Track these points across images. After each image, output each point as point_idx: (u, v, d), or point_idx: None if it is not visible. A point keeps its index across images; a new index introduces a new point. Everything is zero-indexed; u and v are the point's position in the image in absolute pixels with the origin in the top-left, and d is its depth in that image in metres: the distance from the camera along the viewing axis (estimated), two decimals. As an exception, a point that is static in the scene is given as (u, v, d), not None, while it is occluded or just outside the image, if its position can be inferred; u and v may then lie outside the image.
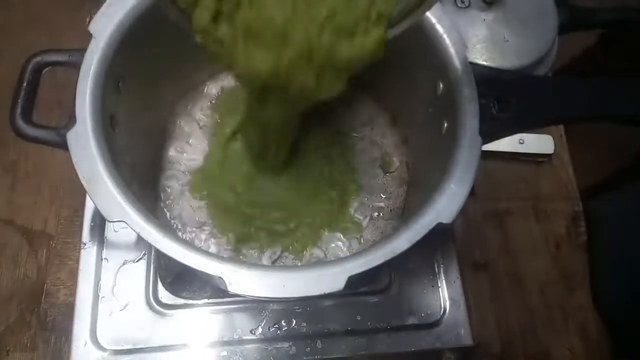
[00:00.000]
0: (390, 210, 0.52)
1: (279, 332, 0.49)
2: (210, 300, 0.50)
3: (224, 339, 0.49)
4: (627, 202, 0.61)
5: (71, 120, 0.36)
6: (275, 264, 0.49)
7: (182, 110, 0.54)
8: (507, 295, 0.59)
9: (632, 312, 0.56)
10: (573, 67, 0.71)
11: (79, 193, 0.55)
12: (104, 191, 0.35)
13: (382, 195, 0.53)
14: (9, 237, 0.57)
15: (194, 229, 0.50)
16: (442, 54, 0.41)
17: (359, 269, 0.33)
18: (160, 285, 0.50)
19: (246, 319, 0.50)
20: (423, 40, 0.41)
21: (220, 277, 0.33)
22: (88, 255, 0.51)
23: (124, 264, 0.51)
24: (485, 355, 0.56)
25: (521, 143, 0.63)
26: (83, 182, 0.35)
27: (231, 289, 0.33)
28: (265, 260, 0.49)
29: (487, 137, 0.38)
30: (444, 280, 0.53)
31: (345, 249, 0.50)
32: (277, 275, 0.33)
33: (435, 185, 0.37)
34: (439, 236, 0.53)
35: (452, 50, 0.40)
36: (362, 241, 0.51)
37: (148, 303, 0.50)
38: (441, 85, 0.42)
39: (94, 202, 0.34)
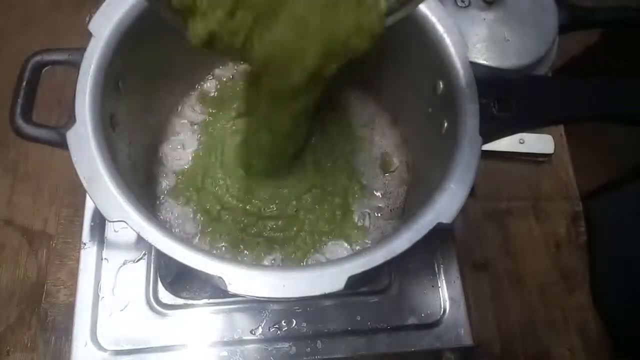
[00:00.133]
0: (390, 210, 0.52)
1: (279, 332, 0.49)
2: (211, 301, 0.50)
3: (224, 339, 0.49)
4: (627, 202, 0.61)
5: (71, 119, 0.36)
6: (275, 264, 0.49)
7: (183, 110, 0.54)
8: (507, 295, 0.59)
9: (632, 312, 0.56)
10: (573, 67, 0.71)
11: (79, 193, 0.56)
12: (104, 191, 0.35)
13: (382, 195, 0.53)
14: (9, 237, 0.57)
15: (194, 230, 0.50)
16: (443, 54, 0.40)
17: (359, 269, 0.33)
18: (160, 285, 0.50)
19: (246, 319, 0.50)
20: (423, 40, 0.41)
21: (220, 277, 0.33)
22: (88, 255, 0.51)
23: (124, 264, 0.51)
24: (485, 355, 0.56)
25: (521, 143, 0.63)
26: (83, 182, 0.35)
27: (231, 289, 0.33)
28: (265, 262, 0.49)
29: (487, 137, 0.38)
30: (444, 280, 0.53)
31: (346, 254, 0.50)
32: (277, 275, 0.33)
33: (435, 185, 0.37)
34: (439, 236, 0.54)
35: (452, 50, 0.40)
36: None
37: (148, 303, 0.50)
38: (441, 85, 0.42)
39: (94, 202, 0.34)
